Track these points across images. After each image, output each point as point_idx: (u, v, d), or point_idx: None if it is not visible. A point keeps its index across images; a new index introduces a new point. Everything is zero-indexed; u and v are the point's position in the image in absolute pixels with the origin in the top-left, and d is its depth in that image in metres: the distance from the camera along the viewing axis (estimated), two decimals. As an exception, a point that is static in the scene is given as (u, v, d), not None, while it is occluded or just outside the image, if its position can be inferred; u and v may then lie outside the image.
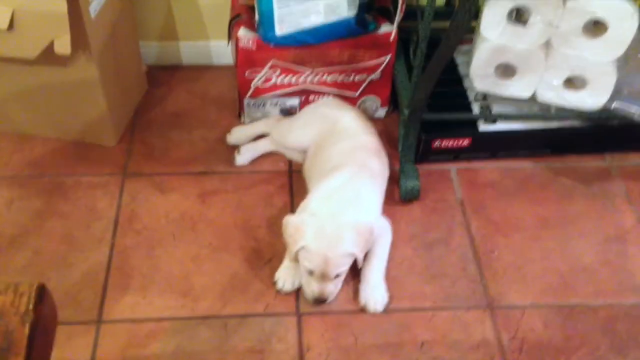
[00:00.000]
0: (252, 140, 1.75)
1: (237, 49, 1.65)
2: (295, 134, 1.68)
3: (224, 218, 1.59)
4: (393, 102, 1.84)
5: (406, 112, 1.59)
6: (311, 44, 1.64)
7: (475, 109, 1.72)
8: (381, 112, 1.85)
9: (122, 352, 1.33)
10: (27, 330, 0.62)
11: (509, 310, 1.44)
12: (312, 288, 1.37)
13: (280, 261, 1.47)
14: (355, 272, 1.44)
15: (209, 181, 1.68)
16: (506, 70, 1.61)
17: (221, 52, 1.94)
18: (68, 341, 1.35)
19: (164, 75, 1.95)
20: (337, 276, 1.37)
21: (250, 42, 1.63)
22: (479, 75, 1.62)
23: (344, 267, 1.37)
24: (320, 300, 1.38)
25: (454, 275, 1.50)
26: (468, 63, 1.65)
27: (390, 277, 1.47)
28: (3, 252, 1.50)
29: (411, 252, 1.54)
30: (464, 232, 1.59)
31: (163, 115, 1.85)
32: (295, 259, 1.39)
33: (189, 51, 1.96)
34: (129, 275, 1.47)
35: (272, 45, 1.63)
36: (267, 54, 1.65)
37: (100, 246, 1.52)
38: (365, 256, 1.43)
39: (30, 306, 0.63)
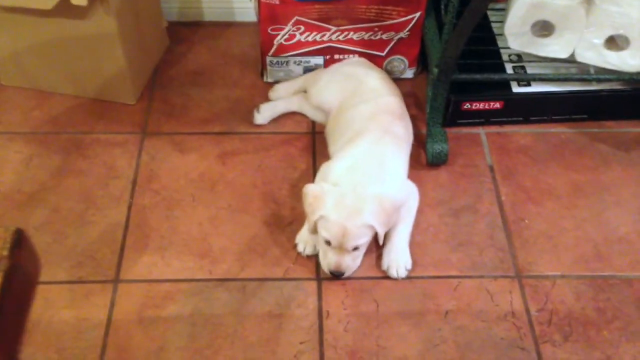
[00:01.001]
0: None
1: (260, 3, 1.58)
2: (318, 91, 1.62)
3: (244, 179, 1.55)
4: (422, 63, 1.77)
5: (435, 71, 1.52)
6: (336, -1, 1.57)
7: (509, 69, 1.64)
8: (409, 73, 1.78)
9: (138, 312, 1.32)
10: (0, 278, 0.55)
11: (539, 281, 1.38)
12: (328, 260, 1.33)
13: (301, 225, 1.43)
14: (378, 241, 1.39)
15: (229, 141, 1.63)
16: (543, 28, 1.53)
17: (244, 8, 1.88)
18: (85, 299, 1.34)
19: (186, 31, 1.90)
20: (355, 249, 1.32)
21: (274, -5, 1.56)
22: (514, 33, 1.54)
23: (363, 240, 1.32)
24: (336, 274, 1.33)
25: (481, 243, 1.44)
26: (502, 22, 1.57)
27: (414, 243, 1.42)
28: (22, 209, 1.49)
29: (437, 219, 1.48)
30: (493, 199, 1.53)
31: (184, 73, 1.80)
32: (314, 230, 1.34)
33: (211, 7, 1.90)
34: (147, 235, 1.44)
35: (296, -1, 1.56)
36: (291, 9, 1.58)
37: (118, 205, 1.50)
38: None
39: (5, 252, 0.57)
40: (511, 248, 1.43)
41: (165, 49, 1.85)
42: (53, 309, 1.32)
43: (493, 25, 1.72)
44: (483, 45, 1.67)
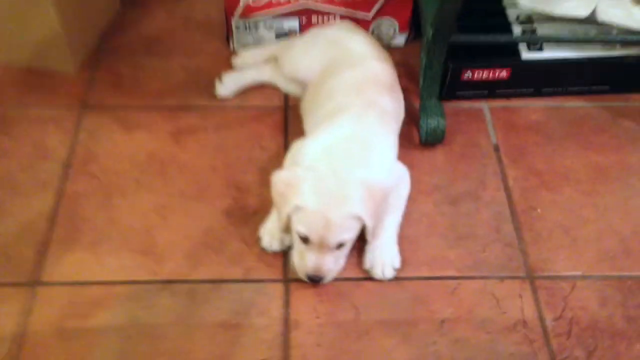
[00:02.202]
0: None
1: (220, -49, 1.35)
2: (294, 58, 1.43)
3: (201, 161, 1.36)
4: (415, 27, 1.57)
5: (430, 31, 1.31)
6: (311, -56, 1.34)
7: (517, 31, 1.43)
8: (400, 39, 1.59)
9: (59, 322, 1.11)
10: None
11: (555, 282, 1.21)
12: (306, 261, 1.13)
13: (267, 215, 1.24)
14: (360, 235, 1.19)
15: (185, 117, 1.44)
16: (559, -21, 1.30)
17: (209, -35, 1.65)
18: (-5, 306, 1.14)
19: (141, -8, 1.70)
20: (339, 246, 1.13)
21: (235, -59, 1.33)
22: (524, -14, 1.32)
23: (348, 235, 1.12)
24: (315, 278, 1.14)
25: (485, 237, 1.27)
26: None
27: (404, 237, 1.25)
28: None
29: (432, 208, 1.31)
30: (499, 184, 1.35)
31: (137, 39, 1.61)
32: (287, 227, 1.14)
33: (170, -36, 1.68)
34: (78, 228, 1.24)
35: (262, -55, 1.33)
36: (257, -42, 1.35)
37: (45, 191, 1.29)
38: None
39: None
40: (521, 243, 1.27)
41: (116, 12, 1.65)
42: (-46, 318, 1.10)
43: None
44: (487, 3, 1.48)
